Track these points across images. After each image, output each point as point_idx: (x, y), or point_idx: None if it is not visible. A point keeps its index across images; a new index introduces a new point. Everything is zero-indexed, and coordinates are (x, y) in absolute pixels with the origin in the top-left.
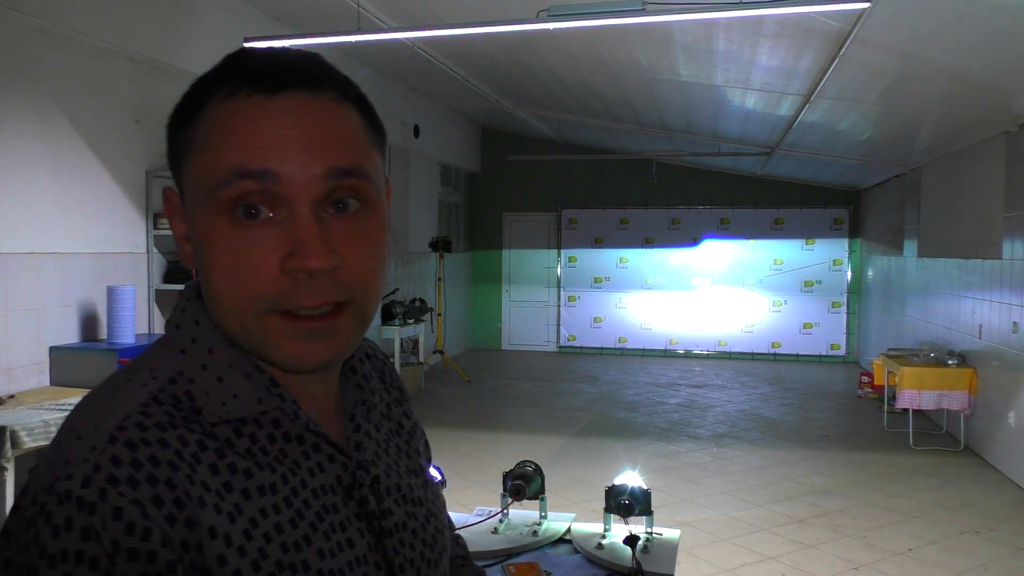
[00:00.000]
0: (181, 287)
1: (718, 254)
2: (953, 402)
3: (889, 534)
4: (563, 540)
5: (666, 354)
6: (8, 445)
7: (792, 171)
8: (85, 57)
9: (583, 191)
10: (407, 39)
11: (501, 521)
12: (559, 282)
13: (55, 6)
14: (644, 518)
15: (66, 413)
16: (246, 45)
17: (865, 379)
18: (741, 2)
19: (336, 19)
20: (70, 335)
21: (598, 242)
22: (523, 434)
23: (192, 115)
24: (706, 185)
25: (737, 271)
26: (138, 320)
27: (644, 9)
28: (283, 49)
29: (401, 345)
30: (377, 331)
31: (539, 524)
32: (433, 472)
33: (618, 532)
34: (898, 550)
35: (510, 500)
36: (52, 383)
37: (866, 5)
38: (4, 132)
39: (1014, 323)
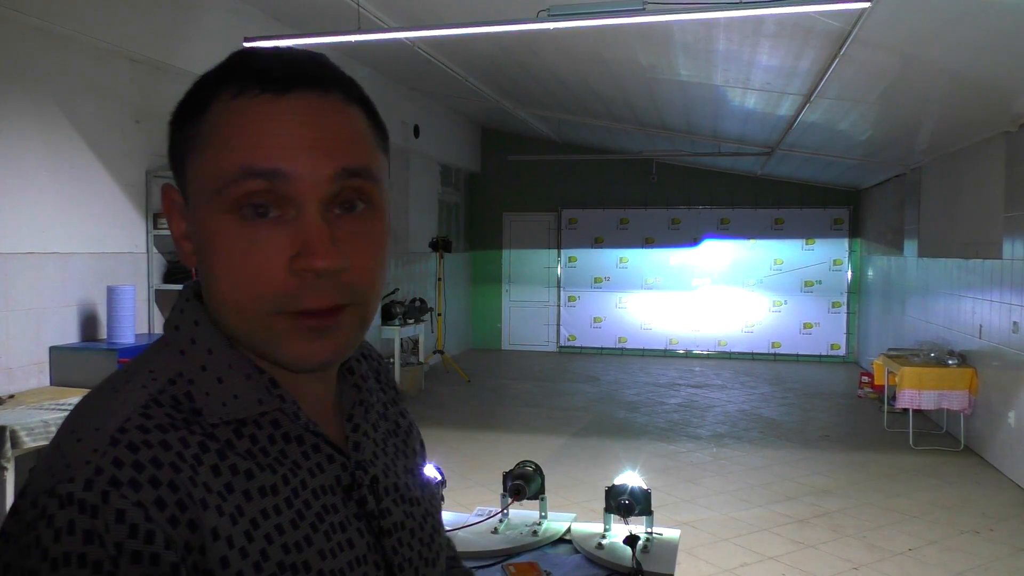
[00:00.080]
0: (181, 287)
1: (718, 254)
2: (953, 402)
3: (889, 534)
4: (563, 540)
5: (666, 354)
6: (8, 445)
7: (792, 171)
8: (85, 57)
9: (583, 191)
10: (407, 39)
11: (501, 521)
12: (559, 282)
13: (55, 6)
14: (644, 518)
15: (66, 413)
16: (250, 45)
17: (865, 379)
18: (741, 2)
19: (336, 19)
20: (70, 335)
21: (598, 242)
22: (523, 434)
23: (196, 113)
24: (706, 185)
25: (737, 271)
26: (138, 320)
27: (644, 9)
28: (289, 49)
29: (401, 345)
30: (377, 331)
31: (539, 524)
32: (433, 472)
33: (618, 532)
34: (898, 550)
35: (510, 500)
36: (52, 383)
37: (866, 5)
38: (4, 132)
39: (1014, 323)
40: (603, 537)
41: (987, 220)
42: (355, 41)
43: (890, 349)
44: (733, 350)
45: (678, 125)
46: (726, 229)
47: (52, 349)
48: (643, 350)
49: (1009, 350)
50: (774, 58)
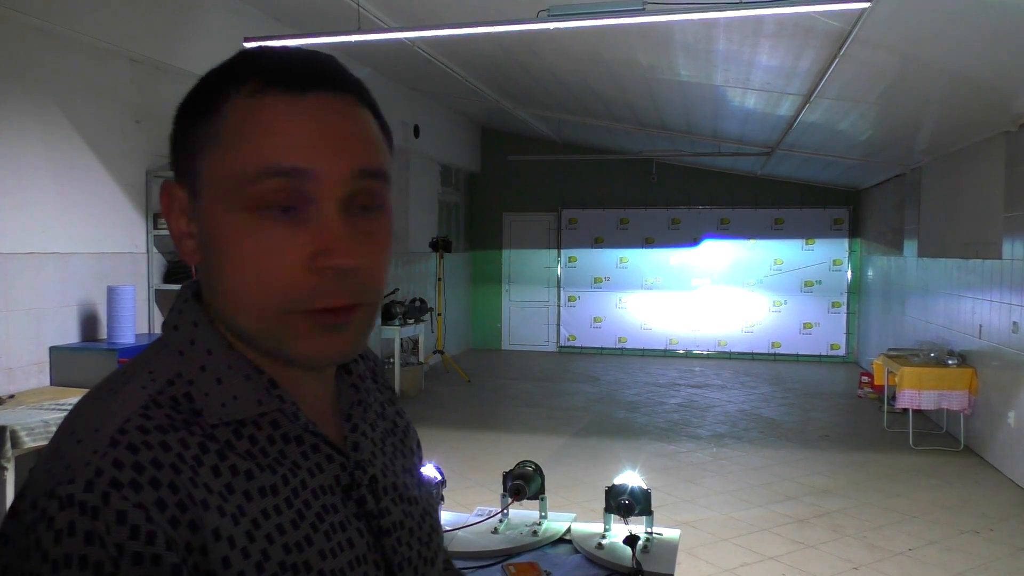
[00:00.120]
0: (180, 287)
1: (718, 254)
2: (953, 402)
3: (889, 534)
4: (563, 540)
5: (666, 354)
6: (8, 445)
7: (792, 171)
8: (85, 57)
9: (583, 191)
10: (407, 39)
11: (501, 521)
12: (559, 282)
13: (55, 6)
14: (644, 518)
15: (66, 413)
16: (251, 44)
17: (865, 379)
18: (741, 2)
19: (336, 19)
20: (70, 335)
21: (598, 242)
22: (523, 434)
23: (208, 111)
24: (706, 185)
25: (737, 271)
26: (138, 320)
27: (644, 9)
28: (299, 49)
29: (401, 345)
30: (377, 331)
31: (539, 524)
32: (433, 472)
33: (618, 532)
34: (898, 550)
35: (510, 500)
36: (52, 383)
37: (866, 5)
38: (4, 132)
39: (1014, 323)
40: (603, 537)
41: (987, 220)
42: (355, 41)
43: (890, 349)
44: (733, 350)
45: (678, 125)
46: (726, 229)
47: (52, 349)
48: (643, 350)
49: (1009, 350)
50: (774, 58)
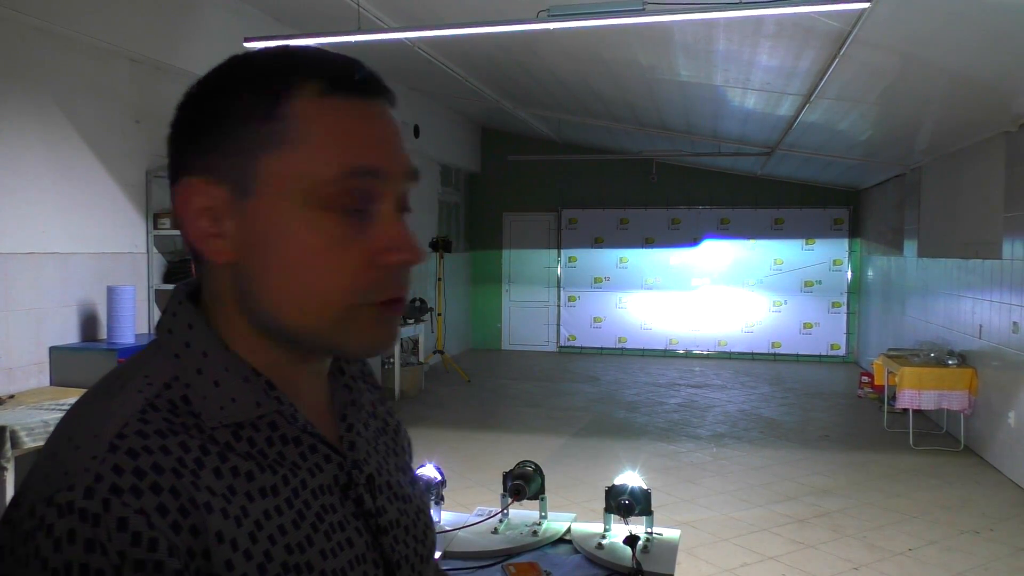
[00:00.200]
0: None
1: (718, 254)
2: (953, 402)
3: (889, 534)
4: (563, 540)
5: (666, 354)
6: (8, 445)
7: (792, 171)
8: (85, 57)
9: (583, 191)
10: (407, 39)
11: (501, 521)
12: (559, 282)
13: (55, 6)
14: (644, 518)
15: (64, 414)
16: (251, 44)
17: (865, 379)
18: (741, 2)
19: (336, 19)
20: (70, 335)
21: (598, 242)
22: (523, 434)
23: (269, 111)
24: (706, 185)
25: (737, 271)
26: (138, 320)
27: (644, 9)
28: (340, 53)
29: (401, 345)
30: None
31: (539, 524)
32: (433, 472)
33: (618, 532)
34: (898, 550)
35: (510, 500)
36: (52, 383)
37: (866, 5)
38: (4, 132)
39: (1014, 323)
40: (603, 537)
41: (987, 220)
42: (355, 41)
43: (890, 349)
44: (733, 350)
45: (678, 125)
46: (726, 229)
47: (52, 349)
48: (643, 350)
49: (1009, 350)
50: (774, 58)
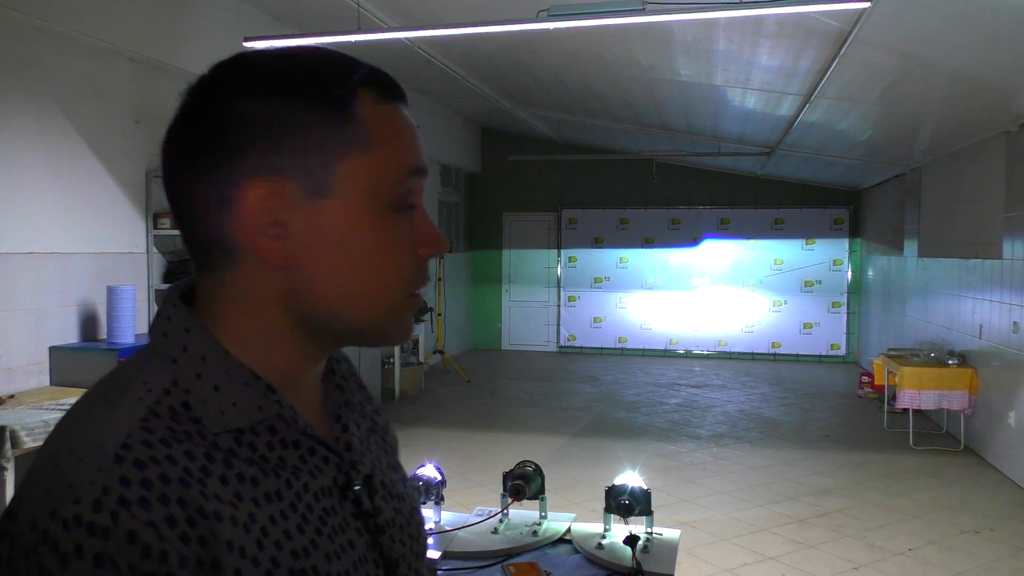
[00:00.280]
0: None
1: (718, 254)
2: (953, 402)
3: (889, 534)
4: (563, 540)
5: (666, 354)
6: (8, 445)
7: (792, 171)
8: (85, 57)
9: (583, 191)
10: (407, 39)
11: (501, 521)
12: (559, 282)
13: (55, 6)
14: (644, 518)
15: (62, 417)
16: (250, 44)
17: (865, 379)
18: (741, 2)
19: (336, 19)
20: (70, 335)
21: (598, 242)
22: (523, 434)
23: (345, 114)
24: (706, 185)
25: (737, 271)
26: (138, 320)
27: (644, 9)
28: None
29: (401, 345)
30: None
31: (539, 524)
32: (433, 472)
33: (618, 532)
34: (898, 550)
35: (510, 500)
36: (52, 383)
37: (866, 5)
38: (4, 132)
39: (1014, 323)
40: (603, 537)
41: (987, 220)
42: (355, 41)
43: (890, 349)
44: (733, 350)
45: (678, 125)
46: (726, 229)
47: (52, 349)
48: (643, 350)
49: (1009, 350)
50: (774, 58)
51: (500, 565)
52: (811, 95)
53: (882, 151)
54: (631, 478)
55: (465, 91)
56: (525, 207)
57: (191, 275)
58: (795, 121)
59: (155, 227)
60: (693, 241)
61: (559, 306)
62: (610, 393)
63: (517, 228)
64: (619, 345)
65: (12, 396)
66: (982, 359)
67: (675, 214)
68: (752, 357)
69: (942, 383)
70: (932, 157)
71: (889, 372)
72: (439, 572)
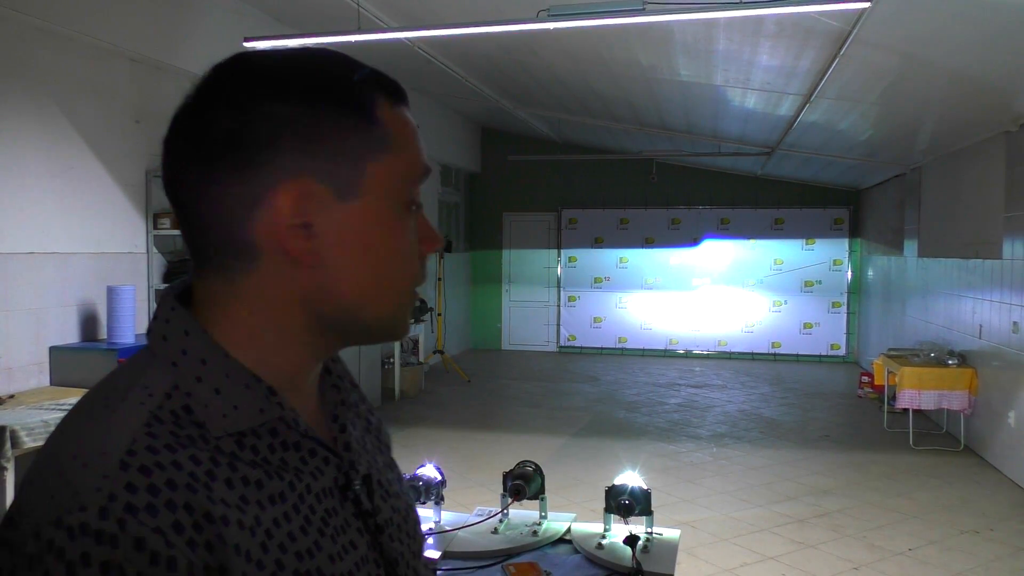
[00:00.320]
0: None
1: (718, 254)
2: (953, 402)
3: (889, 534)
4: (563, 540)
5: (666, 354)
6: (8, 445)
7: (792, 171)
8: (85, 57)
9: (583, 191)
10: (407, 39)
11: (501, 521)
12: (559, 282)
13: (55, 6)
14: (644, 518)
15: (62, 419)
16: (250, 44)
17: (865, 379)
18: (741, 2)
19: (336, 19)
20: (70, 335)
21: (598, 242)
22: (523, 434)
23: (371, 117)
24: (706, 185)
25: (737, 271)
26: (138, 320)
27: (644, 9)
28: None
29: (401, 345)
30: None
31: (539, 524)
32: (433, 472)
33: (618, 532)
34: (898, 550)
35: (510, 500)
36: (52, 383)
37: (866, 5)
38: (4, 132)
39: (1014, 323)
40: (603, 537)
41: (987, 220)
42: (355, 41)
43: (890, 349)
44: (733, 350)
45: (678, 125)
46: (726, 229)
47: (52, 349)
48: (643, 350)
49: (1009, 350)
50: (774, 58)
51: (500, 565)
52: (811, 95)
53: (882, 151)
54: (631, 478)
55: (465, 91)
56: (525, 207)
57: (188, 276)
58: (795, 121)
59: (155, 227)
60: (693, 241)
61: (559, 306)
62: (610, 393)
63: (517, 228)
64: (619, 345)
65: (12, 396)
66: (982, 359)
67: (675, 214)
68: (752, 357)
69: (942, 383)
70: (932, 157)
71: (889, 372)
72: (439, 572)
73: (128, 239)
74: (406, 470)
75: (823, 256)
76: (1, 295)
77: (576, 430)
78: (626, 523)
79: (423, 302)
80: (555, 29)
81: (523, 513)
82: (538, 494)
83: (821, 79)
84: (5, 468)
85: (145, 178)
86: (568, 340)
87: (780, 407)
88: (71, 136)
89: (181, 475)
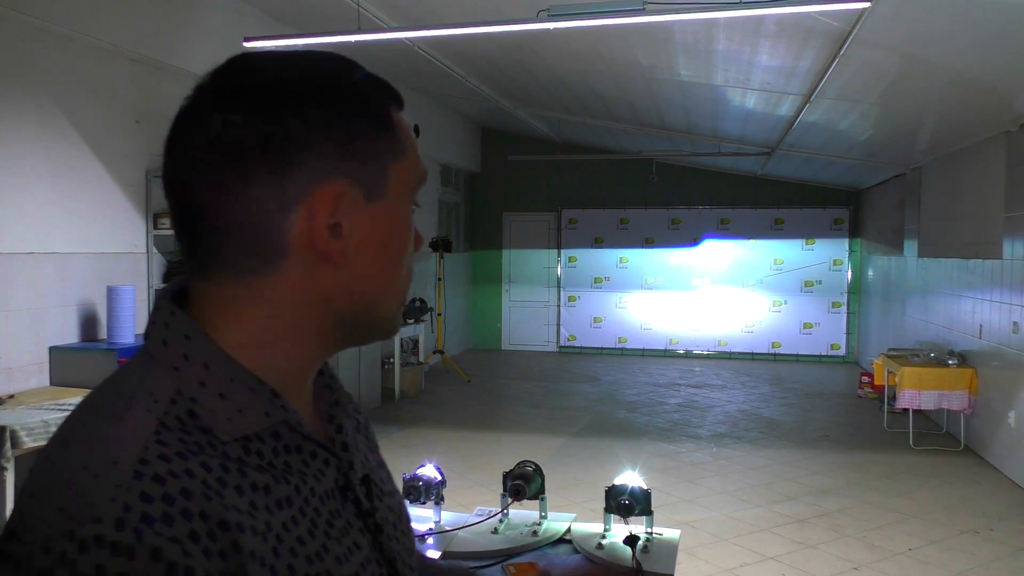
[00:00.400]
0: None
1: (718, 254)
2: (953, 402)
3: (889, 534)
4: (563, 540)
5: (666, 354)
6: (8, 445)
7: (792, 171)
8: (85, 57)
9: (583, 191)
10: (407, 39)
11: (501, 521)
12: (559, 282)
13: (55, 6)
14: (644, 518)
15: (66, 413)
16: (261, 44)
17: (865, 379)
18: (741, 2)
19: (336, 19)
20: (70, 335)
21: (598, 242)
22: (523, 434)
23: (389, 122)
24: (706, 185)
25: (737, 271)
26: (138, 320)
27: (644, 9)
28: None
29: (401, 345)
30: None
31: (539, 524)
32: (433, 472)
33: (618, 532)
34: (898, 550)
35: (510, 500)
36: (52, 383)
37: (866, 5)
38: (4, 132)
39: (1014, 323)
40: (603, 537)
41: (987, 220)
42: (355, 41)
43: (890, 349)
44: (733, 350)
45: (678, 125)
46: (726, 229)
47: (52, 349)
48: (643, 350)
49: (1009, 350)
50: (774, 58)
51: (500, 565)
52: (811, 95)
53: (882, 151)
54: (631, 478)
55: (465, 91)
56: (525, 207)
57: (182, 277)
58: (795, 121)
59: (155, 227)
60: (693, 241)
61: (559, 306)
62: (610, 393)
63: (517, 228)
64: (619, 345)
65: (12, 396)
66: (982, 359)
67: (675, 214)
68: (752, 357)
69: (942, 383)
70: (932, 157)
71: (889, 372)
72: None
73: (128, 239)
74: (406, 470)
75: (823, 256)
76: (1, 295)
77: (576, 430)
78: (626, 523)
79: (423, 302)
80: (555, 29)
81: (523, 513)
82: (538, 494)
83: (821, 79)
84: (5, 468)
85: (145, 178)
86: (568, 340)
87: (780, 407)
88: (71, 136)
89: (195, 483)
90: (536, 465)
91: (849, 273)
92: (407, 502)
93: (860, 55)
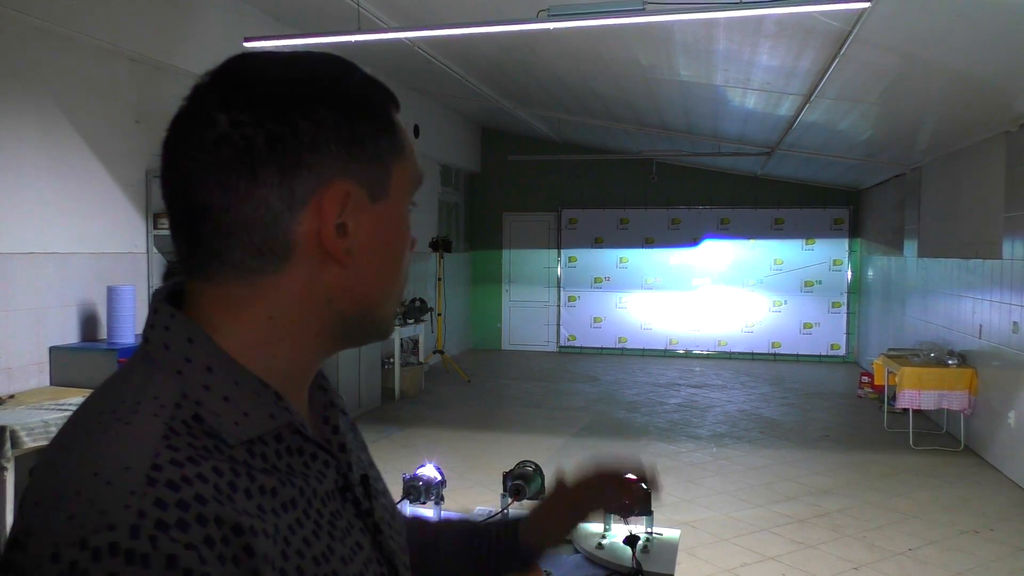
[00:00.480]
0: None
1: (718, 254)
2: (953, 402)
3: (889, 534)
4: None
5: (666, 354)
6: (8, 445)
7: (792, 171)
8: (85, 57)
9: (583, 191)
10: (407, 39)
11: None
12: (559, 282)
13: (55, 6)
14: (644, 518)
15: (66, 413)
16: (251, 45)
17: (865, 379)
18: (741, 2)
19: (336, 19)
20: (70, 335)
21: (598, 242)
22: (523, 434)
23: (391, 123)
24: (706, 185)
25: (737, 271)
26: (138, 320)
27: (644, 9)
28: None
29: (401, 345)
30: None
31: None
32: (433, 472)
33: (618, 532)
34: (898, 550)
35: (510, 500)
36: (52, 383)
37: (866, 5)
38: (4, 132)
39: (1014, 323)
40: (603, 537)
41: (987, 220)
42: (355, 41)
43: (890, 349)
44: (733, 350)
45: (678, 125)
46: (726, 229)
47: (52, 349)
48: (643, 350)
49: (1009, 350)
50: (774, 58)
51: None
52: (811, 95)
53: (882, 151)
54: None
55: (465, 91)
56: (525, 207)
57: (177, 278)
58: (795, 121)
59: (155, 227)
60: (693, 241)
61: (559, 306)
62: (610, 393)
63: (517, 228)
64: (619, 345)
65: (12, 396)
66: (982, 359)
67: (675, 214)
68: (752, 357)
69: (942, 383)
70: (932, 157)
71: (889, 372)
72: None
73: (128, 239)
74: (406, 470)
75: (823, 256)
76: (1, 295)
77: (576, 430)
78: (626, 523)
79: (423, 302)
80: (555, 29)
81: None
82: (538, 494)
83: (821, 79)
84: (5, 468)
85: (145, 178)
86: (568, 340)
87: (780, 407)
88: (71, 136)
89: (207, 488)
90: (536, 465)
91: (849, 273)
92: (407, 502)
93: (860, 55)
